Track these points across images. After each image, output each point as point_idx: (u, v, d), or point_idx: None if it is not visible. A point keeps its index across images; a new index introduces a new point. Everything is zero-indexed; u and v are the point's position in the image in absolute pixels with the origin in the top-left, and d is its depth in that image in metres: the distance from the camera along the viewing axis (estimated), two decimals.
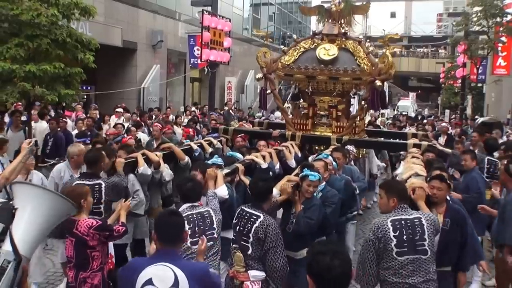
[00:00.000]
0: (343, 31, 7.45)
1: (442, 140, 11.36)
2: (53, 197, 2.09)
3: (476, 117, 20.41)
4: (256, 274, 3.49)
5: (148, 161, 4.96)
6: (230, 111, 15.97)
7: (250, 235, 3.49)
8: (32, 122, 8.92)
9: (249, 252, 3.51)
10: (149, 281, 2.50)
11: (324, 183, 4.36)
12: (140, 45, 16.49)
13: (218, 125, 8.39)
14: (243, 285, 3.47)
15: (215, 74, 15.61)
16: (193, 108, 16.53)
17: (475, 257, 4.04)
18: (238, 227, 3.60)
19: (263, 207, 3.62)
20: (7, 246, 2.07)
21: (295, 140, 6.85)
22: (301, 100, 8.15)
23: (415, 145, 6.54)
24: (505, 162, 5.01)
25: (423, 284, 3.26)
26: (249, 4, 26.27)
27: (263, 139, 6.66)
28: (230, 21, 15.81)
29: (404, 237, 3.26)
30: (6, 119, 9.17)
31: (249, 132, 7.43)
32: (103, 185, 4.16)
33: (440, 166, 4.62)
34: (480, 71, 22.42)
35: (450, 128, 13.74)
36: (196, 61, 17.02)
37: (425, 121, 16.37)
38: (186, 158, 5.40)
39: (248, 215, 3.57)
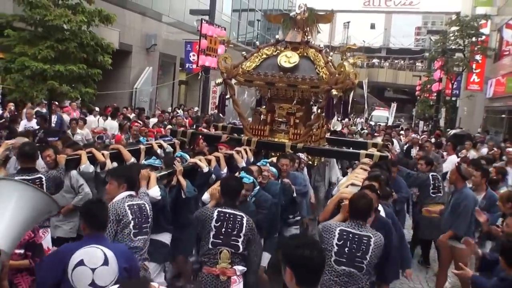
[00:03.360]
0: (305, 39, 7.51)
1: (414, 151, 11.51)
2: (37, 194, 2.09)
3: (448, 129, 20.93)
4: (241, 268, 3.65)
5: (94, 159, 4.96)
6: (220, 114, 16.26)
7: (242, 234, 3.60)
8: (108, 120, 10.10)
9: (240, 250, 3.62)
10: (81, 262, 2.69)
11: (258, 187, 4.37)
12: (135, 48, 17.15)
13: (179, 127, 8.39)
14: (231, 280, 3.59)
15: (209, 78, 16.17)
16: (179, 110, 16.76)
17: (402, 266, 4.13)
18: (224, 229, 3.59)
19: (237, 205, 3.72)
20: None
21: (250, 145, 6.88)
22: (263, 106, 8.18)
23: (367, 155, 6.62)
24: (456, 164, 5.77)
25: None
26: (232, 9, 26.37)
27: (220, 143, 6.65)
28: (225, 29, 16.65)
29: (346, 249, 3.34)
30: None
31: (207, 135, 7.43)
32: (44, 179, 4.10)
33: (378, 178, 4.54)
34: (454, 86, 22.98)
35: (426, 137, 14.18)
36: (191, 66, 17.81)
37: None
38: (132, 160, 5.38)
39: (232, 216, 3.61)
